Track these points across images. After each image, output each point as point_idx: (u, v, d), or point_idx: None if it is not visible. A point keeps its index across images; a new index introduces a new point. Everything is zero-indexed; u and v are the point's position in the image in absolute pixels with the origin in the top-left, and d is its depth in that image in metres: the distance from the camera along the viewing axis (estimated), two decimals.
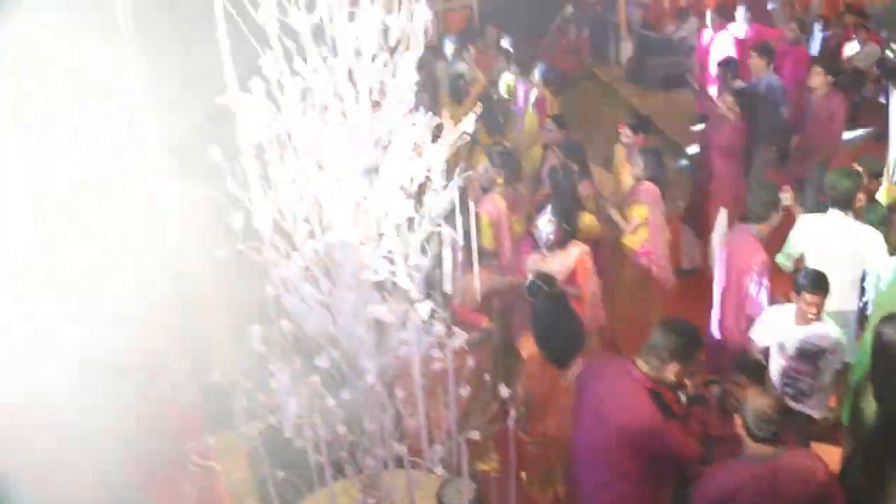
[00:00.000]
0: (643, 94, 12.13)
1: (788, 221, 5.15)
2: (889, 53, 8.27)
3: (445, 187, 3.08)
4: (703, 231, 6.70)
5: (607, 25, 13.58)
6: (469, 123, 2.98)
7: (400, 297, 3.06)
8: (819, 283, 4.16)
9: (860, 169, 5.15)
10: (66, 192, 3.33)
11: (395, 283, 3.07)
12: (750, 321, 4.65)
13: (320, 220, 3.02)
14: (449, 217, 3.19)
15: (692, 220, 6.88)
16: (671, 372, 3.41)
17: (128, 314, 3.36)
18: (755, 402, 3.21)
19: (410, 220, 3.06)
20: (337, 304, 3.09)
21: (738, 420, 3.27)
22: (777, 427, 3.16)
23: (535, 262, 4.94)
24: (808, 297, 4.16)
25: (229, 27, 2.58)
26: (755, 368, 4.20)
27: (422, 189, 3.08)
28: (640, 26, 13.24)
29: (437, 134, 3.10)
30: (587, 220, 5.50)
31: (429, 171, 3.02)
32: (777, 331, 4.41)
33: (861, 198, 4.94)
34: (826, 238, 4.82)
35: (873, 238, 4.69)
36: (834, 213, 4.81)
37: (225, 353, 3.81)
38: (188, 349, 4.03)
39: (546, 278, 4.40)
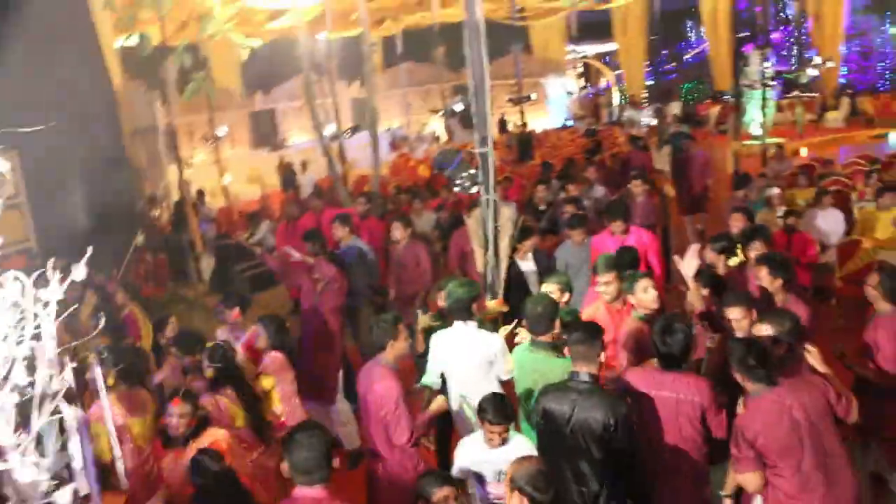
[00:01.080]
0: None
1: None
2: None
3: (62, 368, 2.64)
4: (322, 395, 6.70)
5: (182, 245, 13.56)
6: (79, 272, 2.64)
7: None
8: (499, 411, 4.20)
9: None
10: None
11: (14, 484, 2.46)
12: (400, 450, 4.60)
13: None
14: (72, 399, 2.72)
15: (312, 391, 6.81)
16: None
17: None
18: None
19: (22, 403, 2.53)
20: None
21: None
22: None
23: (174, 461, 4.45)
24: (490, 427, 4.21)
25: None
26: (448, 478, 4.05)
27: (32, 365, 2.59)
28: (215, 239, 13.50)
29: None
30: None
31: (36, 339, 2.57)
32: (471, 459, 4.39)
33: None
34: (458, 349, 5.09)
35: (495, 342, 5.09)
36: (458, 325, 5.15)
37: None
38: None
39: (212, 455, 3.99)
